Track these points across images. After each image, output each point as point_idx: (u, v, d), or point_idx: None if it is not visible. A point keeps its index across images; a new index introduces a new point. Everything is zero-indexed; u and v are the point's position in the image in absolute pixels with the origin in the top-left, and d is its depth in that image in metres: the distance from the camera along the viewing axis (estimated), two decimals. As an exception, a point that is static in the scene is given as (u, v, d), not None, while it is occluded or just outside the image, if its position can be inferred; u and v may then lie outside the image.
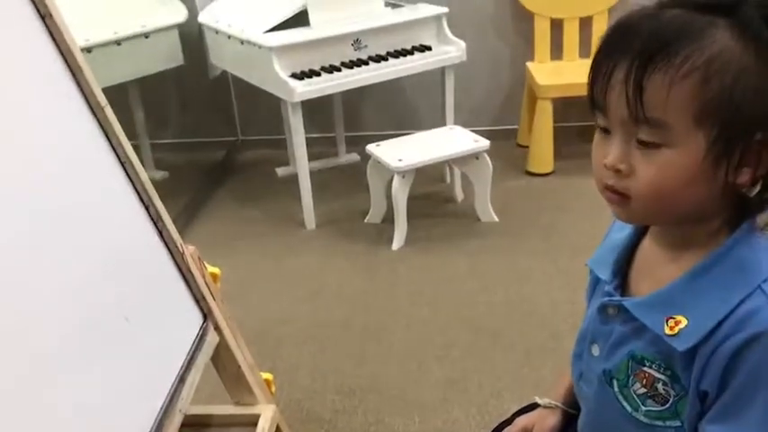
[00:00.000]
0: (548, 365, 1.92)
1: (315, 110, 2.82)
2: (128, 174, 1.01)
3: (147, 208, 1.03)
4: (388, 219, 2.68)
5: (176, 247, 1.07)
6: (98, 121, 0.98)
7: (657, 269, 0.76)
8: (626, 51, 0.65)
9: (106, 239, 0.94)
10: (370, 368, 1.97)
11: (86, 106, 0.97)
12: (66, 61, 0.95)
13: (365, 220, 2.76)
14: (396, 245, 2.57)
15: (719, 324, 0.67)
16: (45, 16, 0.92)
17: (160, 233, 1.05)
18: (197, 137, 3.37)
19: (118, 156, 1.00)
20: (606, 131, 0.70)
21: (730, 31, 0.63)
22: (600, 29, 3.00)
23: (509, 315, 2.15)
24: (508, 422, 1.08)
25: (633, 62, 0.64)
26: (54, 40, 0.93)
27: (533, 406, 1.08)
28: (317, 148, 3.01)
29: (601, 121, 0.70)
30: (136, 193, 1.02)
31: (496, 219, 2.68)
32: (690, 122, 0.64)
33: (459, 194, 2.87)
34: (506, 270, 2.38)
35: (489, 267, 2.40)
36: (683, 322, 0.70)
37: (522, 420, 1.01)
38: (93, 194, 0.95)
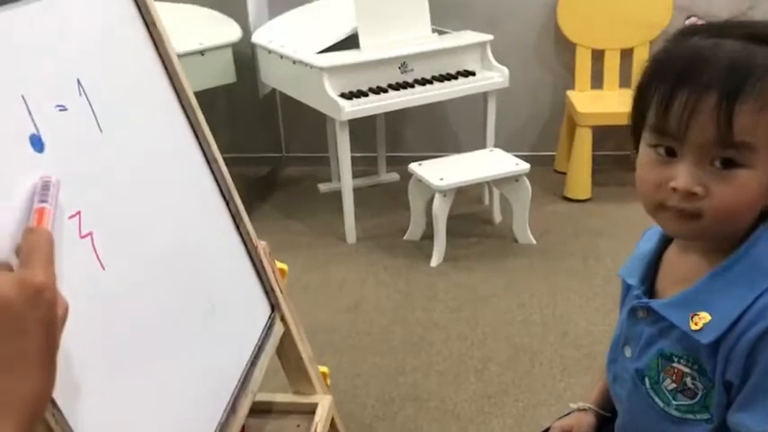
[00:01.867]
0: (582, 382, 1.97)
1: (358, 130, 2.92)
2: (213, 171, 1.10)
3: (227, 203, 1.12)
4: (427, 236, 2.76)
5: (251, 240, 1.15)
6: (190, 122, 1.08)
7: (682, 274, 0.82)
8: (708, 81, 0.70)
9: (194, 227, 1.03)
10: (409, 378, 2.03)
11: (180, 108, 1.06)
12: (165, 67, 1.05)
13: (404, 237, 2.84)
14: (435, 261, 2.63)
15: (740, 317, 0.73)
16: (150, 25, 1.02)
17: (237, 227, 1.14)
18: (243, 152, 3.48)
19: (205, 154, 1.09)
20: (670, 154, 0.74)
21: None
22: (640, 60, 3.06)
23: (545, 333, 2.20)
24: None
25: (723, 92, 0.70)
26: (156, 46, 1.03)
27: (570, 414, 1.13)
28: (358, 167, 3.10)
29: (667, 143, 0.74)
30: (219, 190, 1.11)
31: (534, 241, 2.74)
32: None
33: (498, 216, 2.93)
34: (543, 290, 2.44)
35: (526, 287, 2.46)
36: (707, 318, 0.75)
37: (559, 423, 1.05)
38: (185, 188, 1.04)
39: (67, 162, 0.80)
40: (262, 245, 1.18)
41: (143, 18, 1.02)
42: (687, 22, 0.80)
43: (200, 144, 1.09)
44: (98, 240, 0.81)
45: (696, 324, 0.76)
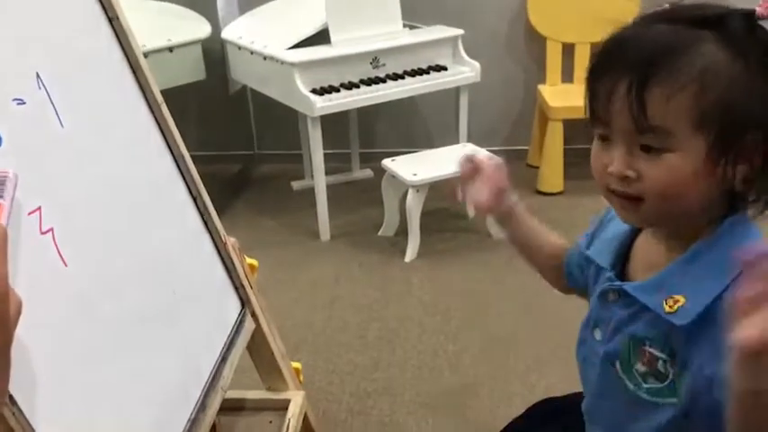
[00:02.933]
0: (557, 373, 1.98)
1: (331, 126, 2.91)
2: (179, 167, 1.09)
3: (194, 199, 1.11)
4: (401, 232, 2.76)
5: (220, 237, 1.14)
6: (155, 116, 1.06)
7: (654, 258, 0.82)
8: (624, 66, 0.71)
9: (160, 224, 1.01)
10: (384, 373, 2.03)
11: (146, 103, 1.05)
12: (129, 61, 1.03)
13: (378, 233, 2.83)
14: (409, 257, 2.63)
15: (715, 301, 0.73)
16: (113, 19, 1.00)
17: (206, 223, 1.13)
18: (214, 150, 3.45)
19: (171, 150, 1.08)
20: (605, 139, 0.76)
21: (717, 43, 0.71)
22: (609, 54, 3.09)
23: (519, 324, 2.21)
24: (521, 419, 1.14)
25: (633, 77, 0.70)
26: (119, 40, 1.02)
27: (546, 402, 1.14)
28: (331, 164, 3.08)
29: (600, 130, 0.76)
30: (186, 185, 1.10)
31: (507, 234, 2.75)
32: (689, 128, 0.71)
33: (471, 211, 2.94)
34: (517, 283, 2.44)
35: (500, 280, 2.47)
36: (681, 301, 0.75)
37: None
38: (150, 183, 1.02)
39: (26, 157, 0.78)
40: (231, 241, 1.17)
41: (105, 12, 1.01)
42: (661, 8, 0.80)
43: (165, 140, 1.08)
44: (59, 236, 0.80)
45: (671, 307, 0.76)
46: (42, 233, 0.78)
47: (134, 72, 1.04)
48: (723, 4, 0.74)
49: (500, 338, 2.15)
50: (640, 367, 0.81)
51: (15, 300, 0.59)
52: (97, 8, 1.00)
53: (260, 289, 2.47)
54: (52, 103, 0.85)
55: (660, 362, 0.79)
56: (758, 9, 0.73)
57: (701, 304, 0.74)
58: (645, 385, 0.81)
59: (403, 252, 2.65)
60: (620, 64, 0.72)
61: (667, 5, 0.77)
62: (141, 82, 1.05)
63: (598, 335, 0.87)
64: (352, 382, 2.00)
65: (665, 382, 0.79)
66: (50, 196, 0.80)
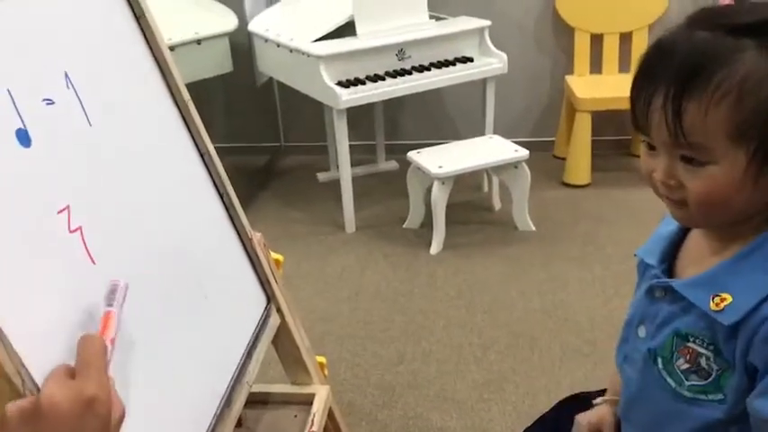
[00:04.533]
0: (582, 369, 1.97)
1: (356, 118, 2.91)
2: (206, 164, 1.10)
3: (221, 196, 1.12)
4: (426, 224, 2.75)
5: (246, 232, 1.15)
6: (182, 114, 1.07)
7: (703, 257, 0.82)
8: (662, 77, 0.71)
9: (186, 220, 1.02)
10: (409, 366, 2.04)
11: (172, 101, 1.06)
12: (155, 58, 1.04)
13: (403, 226, 2.83)
14: (434, 249, 2.63)
15: (763, 301, 0.73)
16: (140, 17, 1.01)
17: (231, 219, 1.14)
18: (241, 142, 3.47)
19: (198, 147, 1.09)
20: (652, 148, 0.76)
21: (758, 50, 0.69)
22: (639, 44, 3.05)
23: (545, 320, 2.20)
24: (552, 412, 1.13)
25: (669, 90, 0.70)
26: (146, 38, 1.03)
27: (577, 396, 1.13)
28: (357, 156, 3.08)
29: (643, 137, 0.76)
30: (212, 182, 1.11)
31: (533, 227, 2.73)
32: (727, 142, 0.70)
33: (497, 203, 2.92)
34: (543, 277, 2.43)
35: (526, 274, 2.46)
36: (728, 299, 0.75)
37: (584, 418, 1.02)
38: (177, 181, 1.03)
39: (55, 156, 0.79)
40: (257, 236, 1.18)
41: (132, 9, 1.01)
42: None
43: (192, 136, 1.08)
44: (88, 235, 0.81)
45: (717, 305, 0.76)
46: (71, 231, 0.79)
47: (161, 70, 1.05)
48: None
49: (525, 333, 2.14)
50: (682, 364, 0.81)
51: (118, 408, 0.63)
52: (124, 6, 1.00)
53: (285, 280, 2.49)
54: (80, 101, 0.86)
55: (703, 358, 0.79)
56: None
57: (749, 303, 0.74)
58: (687, 383, 0.81)
59: (428, 244, 2.65)
60: (658, 74, 0.71)
61: (714, 6, 0.75)
62: (168, 80, 1.05)
63: (642, 332, 0.87)
64: (376, 375, 2.01)
65: (709, 380, 0.79)
66: (79, 195, 0.81)
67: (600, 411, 1.02)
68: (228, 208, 1.13)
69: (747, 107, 0.69)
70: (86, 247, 0.80)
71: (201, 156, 1.10)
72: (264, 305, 1.18)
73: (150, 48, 1.04)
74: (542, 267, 2.49)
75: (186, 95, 1.07)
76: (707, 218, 0.77)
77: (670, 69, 0.70)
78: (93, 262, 0.81)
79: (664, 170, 0.74)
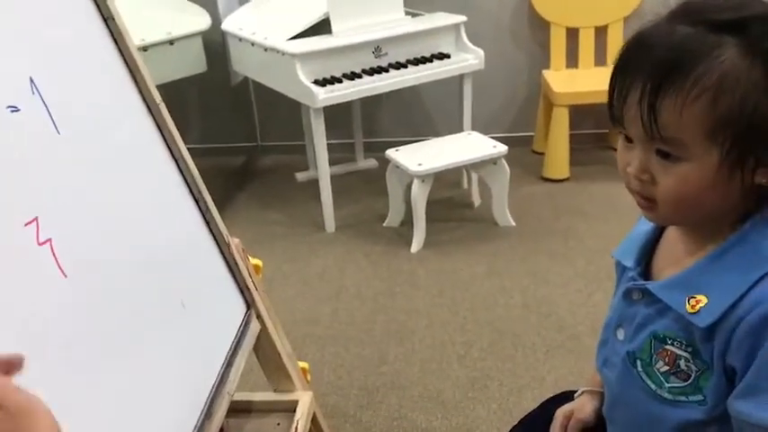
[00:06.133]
0: (566, 365, 1.96)
1: (334, 116, 2.88)
2: (180, 169, 1.07)
3: (197, 201, 1.09)
4: (407, 223, 2.74)
5: (223, 238, 1.12)
6: (154, 118, 1.04)
7: (679, 257, 0.81)
8: (639, 71, 0.70)
9: (161, 228, 1.00)
10: (392, 366, 2.02)
11: (144, 105, 1.03)
12: (125, 62, 1.01)
13: (384, 224, 2.81)
14: (415, 247, 2.62)
15: (738, 301, 0.72)
16: (108, 19, 0.98)
17: (208, 224, 1.11)
18: (218, 142, 3.43)
19: (172, 152, 1.06)
20: (629, 141, 0.75)
21: (738, 48, 0.68)
22: (615, 37, 3.05)
23: (527, 316, 2.20)
24: (539, 411, 1.12)
25: (645, 85, 0.69)
26: (115, 41, 0.99)
27: (564, 395, 1.12)
28: (335, 154, 3.06)
29: (620, 130, 0.76)
30: (187, 187, 1.08)
31: (513, 223, 2.73)
32: (702, 139, 0.69)
33: (477, 199, 2.92)
34: (524, 273, 2.43)
35: (507, 270, 2.45)
36: (704, 301, 0.75)
37: (561, 410, 1.02)
38: (150, 187, 1.00)
39: (22, 166, 0.76)
40: (235, 242, 1.15)
41: (100, 12, 0.98)
42: None
43: (165, 141, 1.05)
44: (58, 247, 0.78)
45: (693, 307, 0.75)
46: (40, 244, 0.76)
47: (131, 73, 1.02)
48: (754, 4, 0.71)
49: (508, 330, 2.13)
50: (661, 366, 0.81)
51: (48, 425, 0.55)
52: (92, 8, 0.97)
53: (266, 283, 2.46)
54: (47, 108, 0.83)
55: (682, 360, 0.78)
56: None
57: (724, 304, 0.73)
58: (667, 384, 0.80)
59: (409, 243, 2.64)
60: (636, 68, 0.71)
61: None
62: (139, 83, 1.02)
63: (621, 335, 0.87)
64: (359, 377, 1.99)
65: (688, 381, 0.79)
66: (48, 206, 0.78)
67: (579, 401, 1.02)
68: (205, 213, 1.10)
69: (723, 106, 0.68)
70: (57, 260, 0.77)
71: (176, 160, 1.07)
72: (244, 312, 1.16)
73: (120, 51, 1.01)
74: (523, 263, 2.49)
75: (158, 98, 1.04)
76: (675, 216, 0.77)
77: (647, 64, 0.69)
78: (65, 275, 0.78)
79: (638, 164, 0.73)
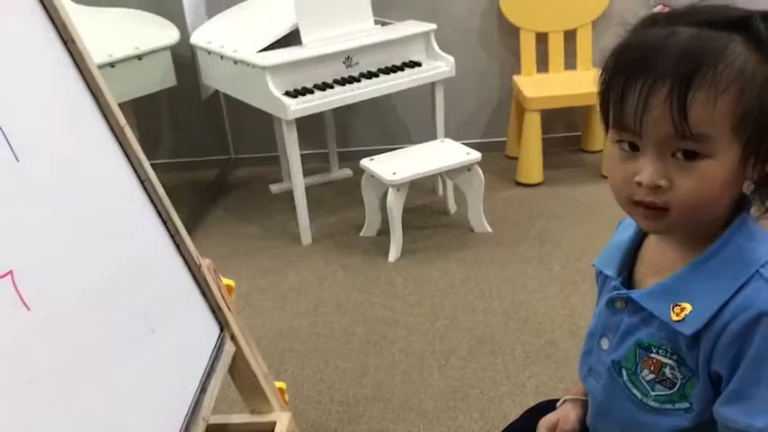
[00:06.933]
0: (546, 371, 1.96)
1: (307, 127, 2.87)
2: (147, 190, 1.05)
3: (165, 223, 1.07)
4: (383, 232, 2.73)
5: (193, 259, 1.10)
6: (118, 140, 1.02)
7: (662, 264, 0.81)
8: (662, 71, 0.69)
9: (128, 252, 0.97)
10: (372, 378, 2.01)
11: (107, 127, 1.01)
12: (87, 84, 0.99)
13: (360, 234, 2.80)
14: (392, 257, 2.61)
15: (722, 308, 0.72)
16: (68, 41, 0.96)
17: (178, 246, 1.09)
18: (190, 156, 3.40)
19: (137, 173, 1.04)
20: (633, 149, 0.73)
21: (746, 45, 0.69)
22: (584, 41, 3.08)
23: (506, 322, 2.20)
24: (519, 422, 1.11)
25: (674, 82, 0.68)
26: (76, 63, 0.97)
27: (544, 404, 1.11)
28: (309, 164, 3.05)
29: (629, 138, 0.73)
30: (155, 209, 1.06)
31: (489, 229, 2.73)
32: (729, 132, 0.69)
33: (452, 206, 2.92)
34: (501, 278, 2.43)
35: (485, 276, 2.45)
36: (688, 308, 0.75)
37: (544, 420, 1.01)
38: (116, 211, 0.98)
39: (-21, 198, 0.74)
40: (206, 262, 1.13)
41: (60, 35, 0.96)
42: (654, 9, 0.77)
43: (131, 164, 1.03)
44: (20, 279, 0.76)
45: (677, 315, 0.75)
46: (0, 277, 0.74)
47: (94, 96, 1.00)
48: (737, 6, 0.72)
49: (487, 337, 2.13)
50: (647, 375, 0.81)
51: None
52: (51, 32, 0.95)
53: (242, 297, 2.43)
54: (5, 135, 0.81)
55: (667, 368, 0.78)
56: None
57: (709, 311, 0.73)
58: (653, 393, 0.80)
59: (386, 252, 2.63)
60: (653, 69, 0.69)
61: (676, 6, 0.75)
62: (102, 106, 1.00)
63: (605, 344, 0.86)
64: (340, 390, 1.97)
65: (674, 389, 0.79)
66: (7, 236, 0.76)
67: (562, 410, 1.01)
68: (174, 235, 1.08)
69: (746, 98, 0.69)
70: (19, 293, 0.75)
71: (142, 182, 1.05)
72: (218, 334, 1.14)
73: (81, 73, 0.99)
74: (500, 269, 2.49)
75: (122, 121, 1.02)
76: (687, 222, 0.74)
77: (667, 63, 0.69)
78: (28, 308, 0.76)
79: (654, 169, 0.71)
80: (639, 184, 0.72)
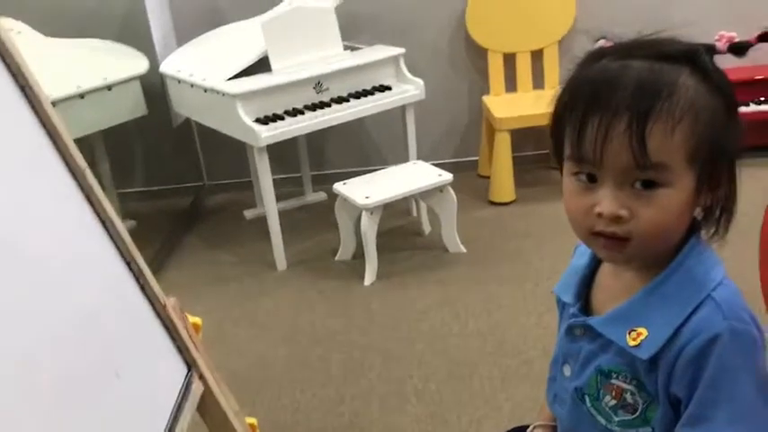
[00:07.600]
0: (522, 392, 1.97)
1: (280, 151, 2.87)
2: (109, 233, 1.04)
3: (128, 264, 1.06)
4: (359, 255, 2.73)
5: (158, 300, 1.10)
6: (79, 183, 1.01)
7: (617, 290, 0.82)
8: (617, 106, 0.70)
9: (88, 298, 0.97)
10: (350, 406, 2.00)
11: (67, 171, 1.00)
12: (45, 129, 0.98)
13: (336, 258, 2.80)
14: (368, 280, 2.61)
15: (677, 332, 0.74)
16: (24, 87, 0.96)
17: (142, 288, 1.08)
18: (163, 184, 3.38)
19: (99, 216, 1.03)
20: (591, 180, 0.74)
21: (694, 76, 0.72)
22: (551, 60, 3.12)
23: (482, 344, 2.20)
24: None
25: (632, 114, 0.69)
26: (34, 108, 0.97)
27: (517, 430, 1.12)
28: (283, 189, 3.05)
29: (588, 170, 0.74)
30: (118, 251, 1.05)
31: (464, 249, 2.74)
32: (684, 162, 0.71)
33: (427, 227, 2.93)
34: (476, 299, 2.44)
35: (459, 297, 2.46)
36: (644, 333, 0.76)
37: None
38: (76, 255, 0.97)
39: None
40: (171, 301, 1.13)
41: (16, 81, 0.96)
42: (597, 44, 0.79)
43: (93, 207, 1.03)
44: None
45: (634, 340, 0.76)
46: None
47: (52, 140, 0.99)
48: (680, 40, 0.74)
49: (463, 360, 2.13)
50: (609, 400, 0.81)
51: None
52: (6, 77, 0.95)
53: (216, 326, 2.41)
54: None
55: (628, 393, 0.79)
56: (717, 45, 0.75)
57: (664, 335, 0.74)
58: (616, 418, 0.81)
59: (362, 276, 2.63)
60: (615, 102, 0.70)
61: (619, 40, 0.77)
62: (61, 149, 1.00)
63: (567, 371, 0.87)
64: (317, 419, 1.96)
65: (636, 413, 0.80)
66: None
67: None
68: (138, 277, 1.08)
69: (700, 127, 0.71)
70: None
71: (104, 224, 1.05)
72: (185, 374, 1.13)
73: (39, 118, 0.99)
74: (475, 289, 2.50)
75: (83, 163, 1.02)
76: (647, 251, 0.75)
77: (624, 96, 0.70)
78: (-16, 362, 0.75)
79: (613, 200, 0.72)
80: (600, 215, 0.73)
